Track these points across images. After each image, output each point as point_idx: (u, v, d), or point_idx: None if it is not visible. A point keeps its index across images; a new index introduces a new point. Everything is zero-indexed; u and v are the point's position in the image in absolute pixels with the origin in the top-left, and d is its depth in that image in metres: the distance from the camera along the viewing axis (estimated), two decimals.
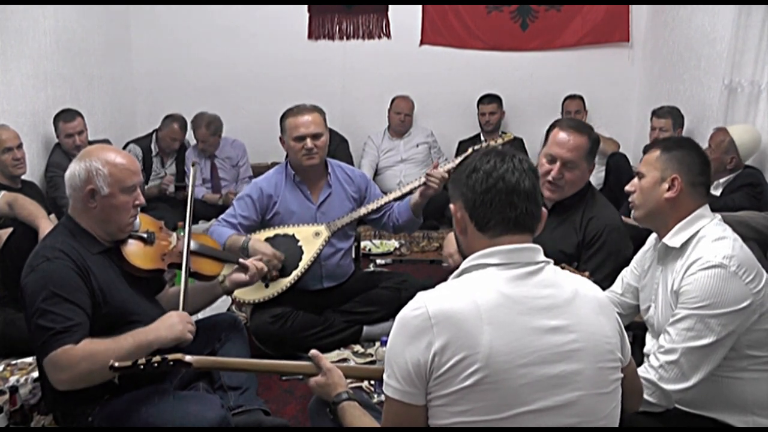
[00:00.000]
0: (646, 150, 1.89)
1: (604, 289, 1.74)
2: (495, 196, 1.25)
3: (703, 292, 1.63)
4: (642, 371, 1.64)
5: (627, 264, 2.34)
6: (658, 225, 1.83)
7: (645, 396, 1.63)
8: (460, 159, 2.92)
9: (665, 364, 1.64)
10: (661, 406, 1.65)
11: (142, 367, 1.56)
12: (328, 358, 2.78)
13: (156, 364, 1.56)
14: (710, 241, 1.71)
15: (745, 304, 1.62)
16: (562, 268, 2.09)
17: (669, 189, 1.77)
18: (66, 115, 3.98)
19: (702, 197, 1.79)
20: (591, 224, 2.30)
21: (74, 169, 1.90)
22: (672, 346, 1.64)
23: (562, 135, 2.31)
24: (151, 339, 1.79)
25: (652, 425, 1.69)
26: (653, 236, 1.93)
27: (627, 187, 1.90)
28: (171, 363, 1.58)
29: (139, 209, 2.00)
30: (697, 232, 1.74)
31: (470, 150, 2.84)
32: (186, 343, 1.88)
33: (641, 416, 1.66)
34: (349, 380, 2.44)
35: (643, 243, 2.03)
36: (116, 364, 1.57)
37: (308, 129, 2.80)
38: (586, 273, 2.12)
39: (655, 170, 1.80)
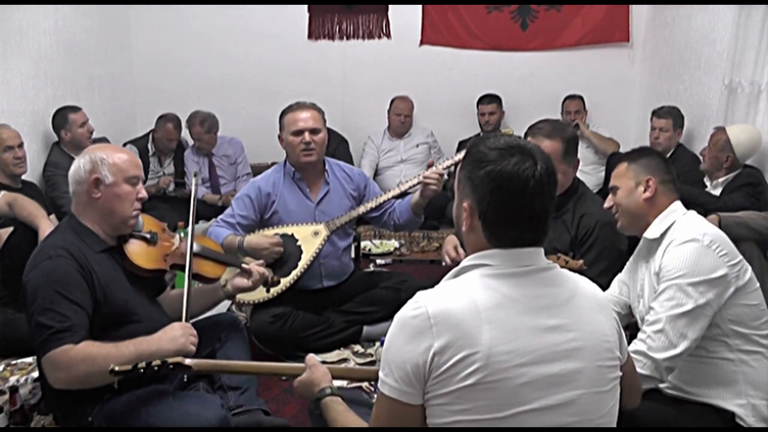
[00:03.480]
0: (613, 165, 2.04)
1: (601, 284, 1.76)
2: (512, 215, 1.22)
3: (679, 263, 1.75)
4: (631, 346, 1.69)
5: (622, 258, 2.36)
6: (640, 226, 1.95)
7: (637, 368, 1.64)
8: (457, 157, 2.87)
9: (652, 334, 1.73)
10: (654, 378, 1.71)
11: (142, 370, 1.56)
12: (327, 358, 2.82)
13: (156, 368, 1.57)
14: (684, 223, 1.85)
15: (719, 273, 1.72)
16: (557, 258, 2.12)
17: (645, 190, 1.91)
18: (71, 108, 3.99)
19: (673, 193, 1.93)
20: (583, 221, 2.33)
21: (79, 162, 1.94)
22: (656, 317, 1.74)
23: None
24: (153, 350, 1.78)
25: (651, 425, 1.70)
26: None
27: (605, 205, 2.05)
28: (171, 366, 1.59)
29: (141, 205, 2.01)
30: (674, 222, 1.87)
31: None
32: (189, 355, 1.87)
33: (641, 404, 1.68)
34: (349, 381, 2.46)
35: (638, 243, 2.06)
36: (116, 368, 1.57)
37: (306, 123, 2.81)
38: (580, 262, 2.14)
39: (628, 179, 1.95)
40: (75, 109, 4.01)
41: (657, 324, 1.72)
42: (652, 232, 1.89)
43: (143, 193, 2.00)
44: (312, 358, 1.59)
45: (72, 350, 1.70)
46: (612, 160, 4.58)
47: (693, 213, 1.91)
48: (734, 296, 1.75)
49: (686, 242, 1.77)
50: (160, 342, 1.82)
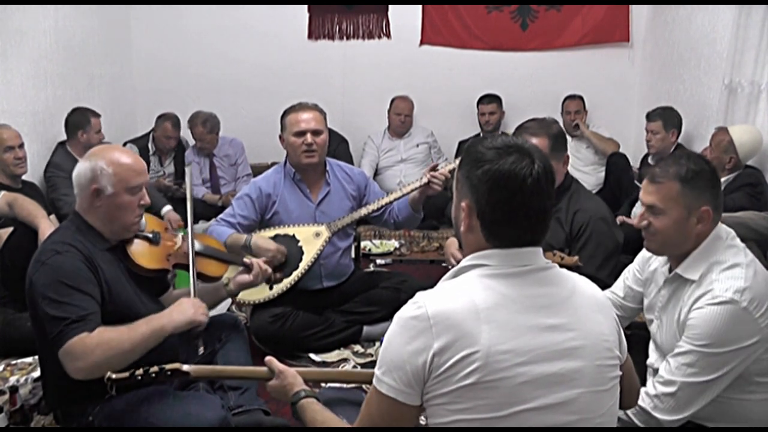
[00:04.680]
0: (653, 178, 1.71)
1: (600, 279, 1.73)
2: (510, 214, 1.22)
3: (709, 330, 1.57)
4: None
5: (618, 252, 2.33)
6: (675, 254, 1.74)
7: (635, 420, 1.64)
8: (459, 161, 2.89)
9: (662, 395, 1.62)
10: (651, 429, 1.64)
11: (140, 377, 1.56)
12: (327, 358, 2.82)
13: (154, 374, 1.57)
14: (722, 269, 1.63)
15: (752, 341, 1.58)
16: (553, 255, 2.12)
17: (699, 222, 1.65)
18: (93, 112, 4.02)
19: (720, 216, 1.70)
20: (577, 217, 2.34)
21: (80, 168, 1.93)
22: (671, 378, 1.62)
23: None
24: (165, 323, 1.81)
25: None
26: None
27: (636, 222, 1.78)
28: (169, 373, 1.58)
29: (144, 209, 2.00)
30: (714, 262, 1.65)
31: None
32: (201, 327, 1.89)
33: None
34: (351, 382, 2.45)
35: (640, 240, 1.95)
36: (113, 376, 1.57)
37: (309, 124, 2.81)
38: (575, 258, 2.13)
39: (679, 206, 1.65)
40: (96, 114, 4.04)
41: (670, 387, 1.61)
42: (689, 273, 1.68)
43: (146, 200, 1.98)
44: (271, 360, 1.57)
45: (88, 338, 1.70)
46: (613, 159, 4.58)
47: (731, 245, 1.67)
48: (764, 352, 1.62)
49: (722, 303, 1.56)
50: (171, 315, 1.84)
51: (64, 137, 4.07)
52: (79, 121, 3.96)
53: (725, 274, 1.62)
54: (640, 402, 1.61)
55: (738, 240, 1.72)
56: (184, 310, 1.87)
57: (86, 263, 1.83)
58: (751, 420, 1.69)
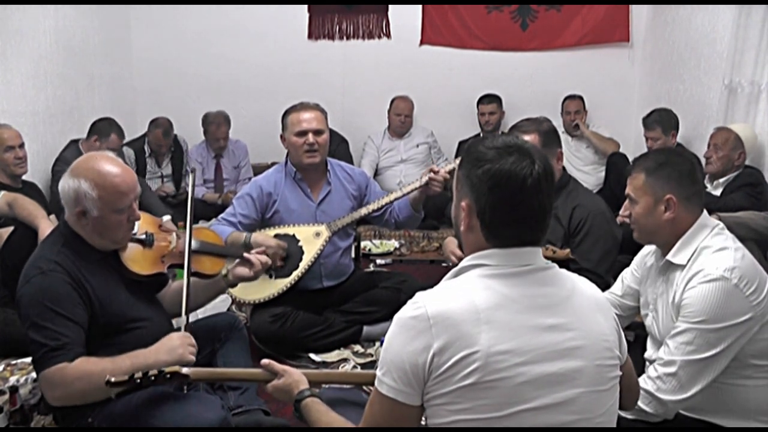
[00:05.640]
0: (630, 171, 1.86)
1: (597, 274, 1.73)
2: (510, 213, 1.22)
3: (703, 306, 1.62)
4: (640, 382, 1.63)
5: (617, 247, 2.34)
6: (660, 242, 1.83)
7: (642, 405, 1.64)
8: (459, 161, 2.90)
9: (663, 376, 1.65)
10: (659, 416, 1.66)
11: (139, 381, 1.56)
12: (327, 358, 2.82)
13: (153, 377, 1.57)
14: (711, 252, 1.70)
15: (745, 317, 1.62)
16: (546, 248, 2.12)
17: (666, 210, 1.75)
18: (119, 130, 4.03)
19: (699, 207, 1.77)
20: (575, 213, 2.35)
21: (64, 185, 1.87)
22: (671, 359, 1.65)
23: None
24: (150, 362, 1.75)
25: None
26: None
27: (621, 212, 1.91)
28: (168, 376, 1.58)
29: (134, 224, 1.94)
30: (701, 247, 1.72)
31: None
32: (189, 365, 1.84)
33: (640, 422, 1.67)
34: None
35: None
36: (113, 379, 1.57)
37: (310, 124, 2.81)
38: (567, 251, 2.14)
39: (646, 195, 1.78)
40: (121, 134, 4.05)
41: (671, 366, 1.64)
42: (677, 258, 1.75)
43: (135, 215, 1.91)
44: (270, 363, 1.57)
45: (67, 368, 1.69)
46: (613, 159, 4.59)
47: (719, 233, 1.75)
48: (759, 332, 1.66)
49: (713, 281, 1.63)
50: (158, 354, 1.80)
51: (66, 136, 4.07)
52: (102, 130, 3.97)
53: (714, 255, 1.69)
54: (642, 385, 1.63)
55: (726, 230, 1.78)
56: (173, 348, 1.81)
57: (72, 283, 1.79)
58: (747, 409, 1.71)
